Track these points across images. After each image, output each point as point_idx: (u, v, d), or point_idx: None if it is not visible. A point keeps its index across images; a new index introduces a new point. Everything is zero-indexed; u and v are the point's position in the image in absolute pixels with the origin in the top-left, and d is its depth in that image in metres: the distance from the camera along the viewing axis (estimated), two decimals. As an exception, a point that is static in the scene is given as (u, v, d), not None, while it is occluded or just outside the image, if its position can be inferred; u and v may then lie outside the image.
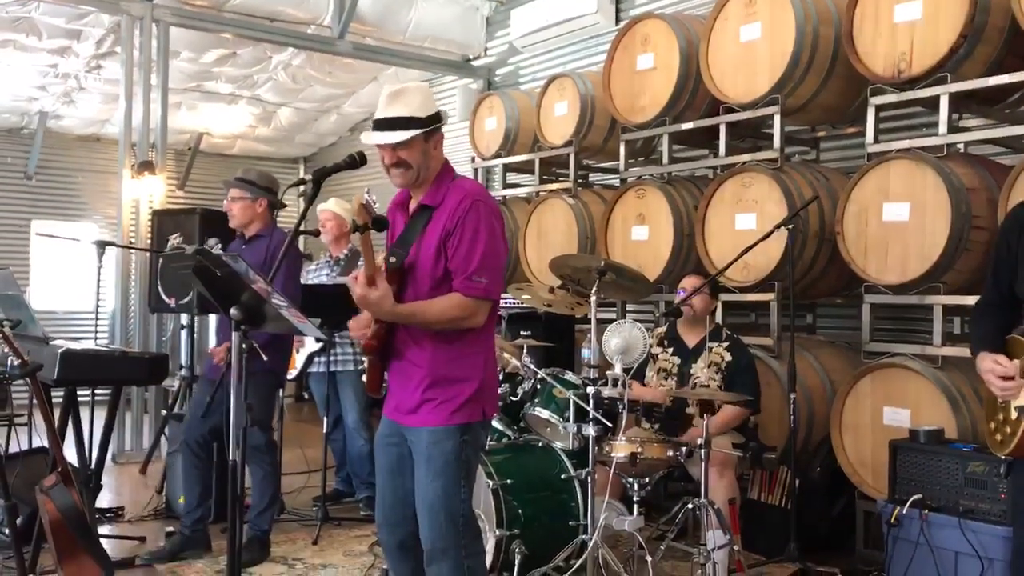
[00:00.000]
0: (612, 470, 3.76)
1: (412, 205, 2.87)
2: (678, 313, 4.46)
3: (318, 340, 5.06)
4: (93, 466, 4.33)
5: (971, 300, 4.16)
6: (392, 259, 2.78)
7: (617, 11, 7.39)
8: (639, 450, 3.72)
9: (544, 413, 4.13)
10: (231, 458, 2.55)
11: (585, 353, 4.00)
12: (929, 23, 4.34)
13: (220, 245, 4.65)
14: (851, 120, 5.48)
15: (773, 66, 4.93)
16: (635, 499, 3.80)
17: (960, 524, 3.56)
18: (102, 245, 5.62)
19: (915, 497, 3.73)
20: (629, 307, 6.13)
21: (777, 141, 4.99)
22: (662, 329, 4.72)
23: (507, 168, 7.32)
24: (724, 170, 5.24)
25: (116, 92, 8.06)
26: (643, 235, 5.62)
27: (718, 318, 4.89)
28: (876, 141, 4.62)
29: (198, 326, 6.42)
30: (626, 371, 3.96)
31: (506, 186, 7.38)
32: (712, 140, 5.52)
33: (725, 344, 4.41)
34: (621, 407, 3.85)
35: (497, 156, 7.17)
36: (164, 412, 6.66)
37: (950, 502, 3.66)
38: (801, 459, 4.60)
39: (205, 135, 10.73)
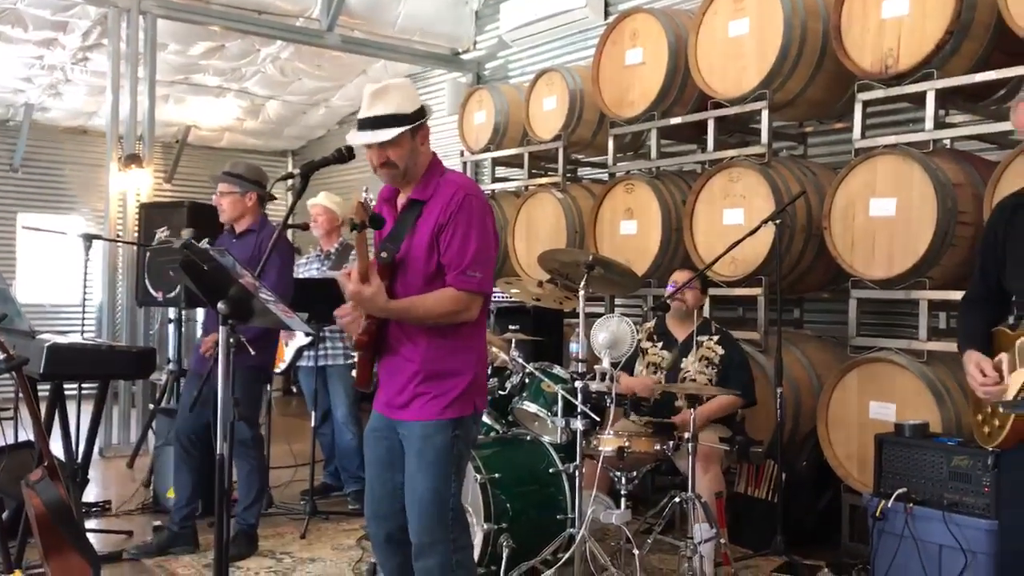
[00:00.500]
0: (600, 464, 3.78)
1: (401, 200, 2.87)
2: (666, 307, 4.48)
3: (307, 335, 5.06)
4: (80, 460, 4.32)
5: (957, 295, 4.20)
6: (383, 254, 2.77)
7: (606, 5, 7.39)
8: (627, 444, 3.73)
9: (532, 407, 4.13)
10: (218, 452, 2.55)
11: (573, 347, 4.01)
12: (916, 19, 4.36)
13: (195, 234, 4.62)
14: (838, 115, 5.50)
15: (761, 61, 4.95)
16: (622, 493, 3.81)
17: (944, 517, 3.58)
18: (89, 238, 5.58)
19: (900, 491, 3.75)
20: (617, 301, 6.15)
21: (765, 136, 5.01)
22: (651, 324, 4.73)
23: (496, 162, 7.32)
24: (712, 165, 5.26)
25: (103, 84, 8.02)
26: (631, 229, 5.63)
27: (705, 312, 4.90)
28: (863, 136, 4.64)
29: (186, 320, 6.41)
30: (614, 365, 3.97)
31: (495, 180, 7.38)
32: (700, 135, 5.53)
33: (716, 338, 4.43)
34: (609, 401, 3.86)
35: (486, 150, 7.17)
36: (152, 406, 6.65)
37: (934, 495, 3.68)
38: (787, 453, 4.62)
39: (193, 128, 10.69)
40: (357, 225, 2.60)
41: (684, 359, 4.43)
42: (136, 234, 6.63)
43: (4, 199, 10.14)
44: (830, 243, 4.62)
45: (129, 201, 7.09)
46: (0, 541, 3.60)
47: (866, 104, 4.64)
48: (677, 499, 3.86)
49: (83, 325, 5.52)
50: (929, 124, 4.38)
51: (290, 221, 5.95)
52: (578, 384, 3.80)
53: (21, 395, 3.41)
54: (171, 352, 6.29)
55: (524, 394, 4.19)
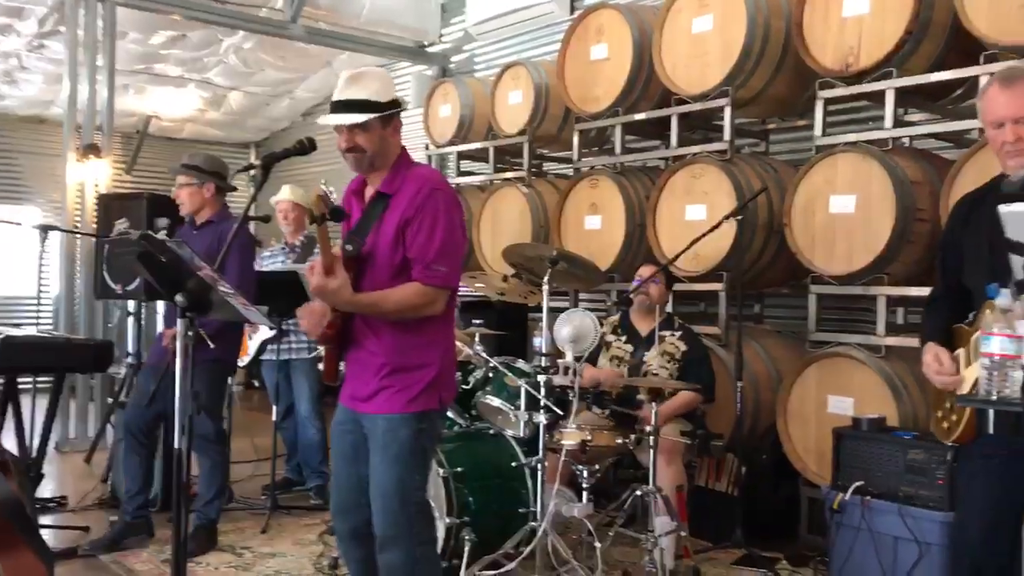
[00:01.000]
0: (562, 457, 3.79)
1: (368, 192, 2.85)
2: (630, 302, 4.50)
3: (271, 328, 5.01)
4: (34, 455, 4.25)
5: (914, 291, 4.28)
6: (349, 247, 2.76)
7: (572, 0, 7.40)
8: (589, 438, 3.75)
9: (495, 401, 4.13)
10: (176, 446, 2.52)
11: (537, 341, 4.01)
12: (876, 18, 4.41)
13: (168, 224, 4.57)
14: (800, 113, 5.56)
15: (724, 58, 4.98)
16: (585, 486, 3.83)
17: (900, 510, 3.64)
18: (45, 229, 5.49)
19: (857, 484, 3.80)
20: (582, 296, 6.17)
21: (727, 133, 5.04)
22: (615, 318, 4.76)
23: (461, 156, 7.31)
24: (676, 161, 5.29)
25: (60, 72, 7.87)
26: (596, 224, 5.65)
27: (668, 307, 4.93)
28: (824, 134, 4.69)
29: (145, 313, 6.32)
30: (577, 359, 3.99)
31: (460, 174, 7.36)
32: (664, 131, 5.56)
33: (678, 334, 4.47)
34: (572, 395, 3.88)
35: (451, 144, 7.14)
36: (110, 400, 6.55)
37: (891, 488, 3.74)
38: (747, 446, 4.68)
39: (154, 118, 10.52)
40: (317, 218, 2.57)
41: (646, 354, 4.46)
42: (94, 225, 6.52)
43: (-42, 189, 9.94)
44: (791, 239, 4.67)
45: (87, 192, 6.97)
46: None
47: (827, 102, 4.70)
48: (639, 492, 3.88)
49: (38, 318, 5.42)
50: (888, 122, 4.44)
51: (252, 213, 5.88)
52: (541, 378, 3.81)
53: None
54: (131, 345, 6.20)
55: (488, 388, 4.19)
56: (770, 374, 5.02)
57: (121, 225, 5.47)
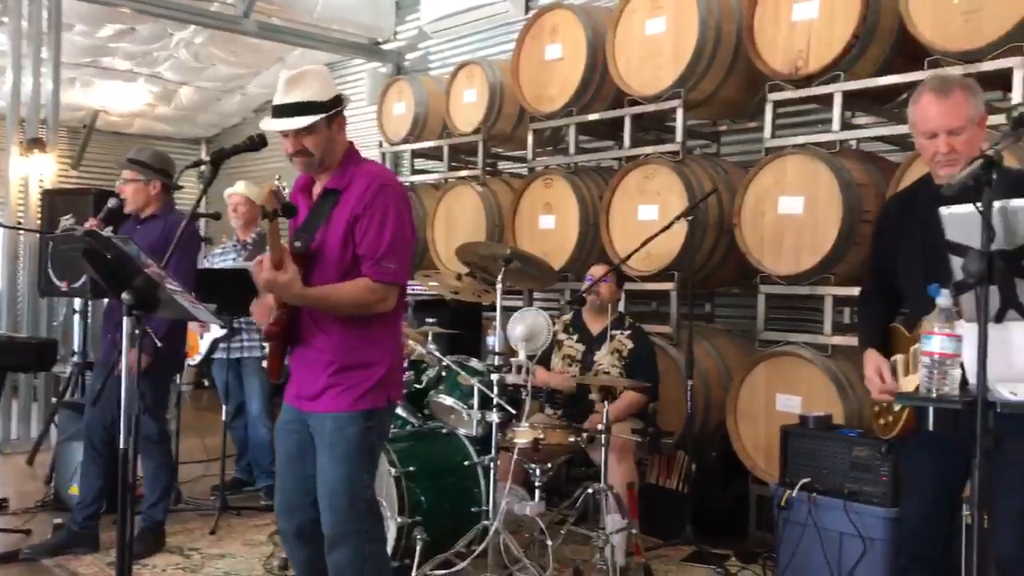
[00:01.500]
0: (514, 456, 3.80)
1: (316, 189, 2.83)
2: (582, 301, 4.53)
3: (222, 327, 4.95)
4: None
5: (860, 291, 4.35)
6: (297, 244, 2.73)
7: (527, 0, 7.41)
8: (541, 436, 3.76)
9: (448, 400, 4.13)
10: (122, 446, 2.48)
11: (490, 340, 4.01)
12: (825, 22, 4.49)
13: (74, 220, 4.47)
14: (751, 115, 5.64)
15: (677, 60, 5.03)
16: (537, 485, 3.84)
17: (845, 506, 3.70)
18: (-14, 225, 5.37)
19: (804, 480, 3.86)
20: (536, 295, 6.18)
21: (679, 134, 5.09)
22: (568, 316, 4.78)
23: (415, 154, 7.28)
24: (628, 161, 5.33)
25: (3, 64, 7.67)
26: (550, 224, 5.66)
27: (621, 307, 4.97)
28: (773, 136, 4.76)
29: (92, 311, 6.20)
30: (530, 358, 4.00)
31: (414, 172, 7.33)
32: (618, 132, 5.59)
33: (628, 332, 4.50)
34: (525, 394, 3.89)
35: (405, 141, 7.12)
36: (54, 400, 6.41)
37: (836, 485, 3.80)
38: (698, 444, 4.73)
39: (101, 113, 10.33)
40: (269, 213, 2.55)
41: (597, 352, 4.49)
42: (39, 221, 6.38)
43: None
44: (740, 240, 4.73)
45: (31, 187, 6.81)
46: None
47: (776, 105, 4.77)
48: (590, 490, 3.91)
49: (-21, 316, 5.30)
50: (836, 125, 4.52)
51: (201, 210, 5.80)
52: (494, 377, 3.81)
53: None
54: (76, 344, 6.09)
55: (440, 387, 4.19)
56: (720, 373, 5.08)
57: (67, 221, 5.36)
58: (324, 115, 2.67)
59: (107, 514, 4.47)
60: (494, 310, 4.06)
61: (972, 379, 2.02)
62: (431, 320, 5.01)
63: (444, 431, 4.21)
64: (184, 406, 5.84)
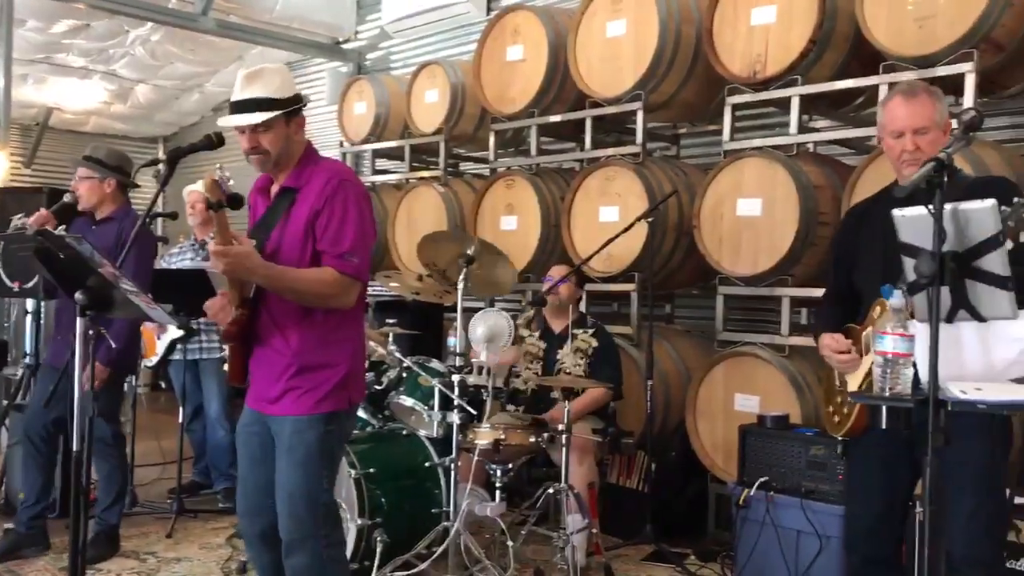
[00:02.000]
0: (475, 457, 3.80)
1: (274, 189, 2.80)
2: (543, 302, 4.54)
3: (180, 327, 4.89)
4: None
5: (817, 292, 4.40)
6: (252, 242, 2.69)
7: (488, 1, 7.41)
8: (502, 437, 3.76)
9: (409, 401, 4.12)
10: (75, 449, 2.44)
11: (451, 341, 4.01)
12: (783, 27, 4.54)
13: (24, 218, 4.40)
14: (710, 118, 5.68)
15: (637, 63, 5.06)
16: (498, 485, 3.84)
17: (802, 504, 3.76)
18: (-66, 224, 5.23)
19: (762, 479, 3.91)
20: (497, 295, 6.18)
21: (640, 137, 5.13)
22: (530, 313, 4.80)
23: (376, 154, 7.24)
24: (590, 163, 5.35)
25: (-47, 60, 7.51)
26: (512, 225, 5.67)
27: (582, 306, 4.99)
28: (732, 139, 4.81)
29: (44, 312, 6.08)
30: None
31: (376, 172, 7.30)
32: (579, 133, 5.62)
33: (591, 331, 4.53)
34: (486, 395, 3.89)
35: (366, 141, 7.08)
36: (5, 402, 6.28)
37: (793, 484, 3.85)
38: (657, 444, 4.76)
39: (55, 110, 10.14)
40: (214, 204, 2.49)
41: (559, 351, 4.51)
42: (-11, 221, 6.24)
43: None
44: (699, 241, 4.77)
45: (-18, 185, 6.68)
46: None
47: (735, 108, 4.82)
48: (551, 490, 3.92)
49: (-74, 317, 5.17)
50: (793, 128, 4.57)
51: (159, 209, 5.70)
52: (455, 378, 3.81)
53: None
54: (28, 345, 5.96)
55: (401, 388, 4.17)
56: (680, 373, 5.12)
57: (18, 220, 5.25)
58: (281, 112, 2.64)
59: (60, 518, 4.40)
60: (455, 311, 4.05)
61: (924, 378, 2.06)
62: (392, 321, 4.98)
63: (404, 432, 4.20)
64: (141, 408, 5.75)
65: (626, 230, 4.57)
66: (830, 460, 3.76)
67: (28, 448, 4.20)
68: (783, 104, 4.66)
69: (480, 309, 4.31)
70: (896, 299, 2.21)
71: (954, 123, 2.52)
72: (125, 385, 4.56)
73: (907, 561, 2.79)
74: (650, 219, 4.59)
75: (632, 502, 4.65)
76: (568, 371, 4.42)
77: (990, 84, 4.35)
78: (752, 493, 3.91)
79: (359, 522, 3.71)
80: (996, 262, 2.00)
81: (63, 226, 4.24)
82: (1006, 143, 4.62)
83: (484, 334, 4.06)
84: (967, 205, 2.02)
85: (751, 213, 4.56)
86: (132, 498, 4.93)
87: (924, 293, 2.06)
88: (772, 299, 4.64)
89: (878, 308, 2.53)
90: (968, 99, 3.94)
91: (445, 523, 3.76)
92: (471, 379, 3.91)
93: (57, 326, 4.26)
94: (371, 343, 4.27)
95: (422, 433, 4.12)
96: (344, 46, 8.81)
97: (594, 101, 5.31)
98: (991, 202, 1.99)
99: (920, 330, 2.14)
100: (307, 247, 2.67)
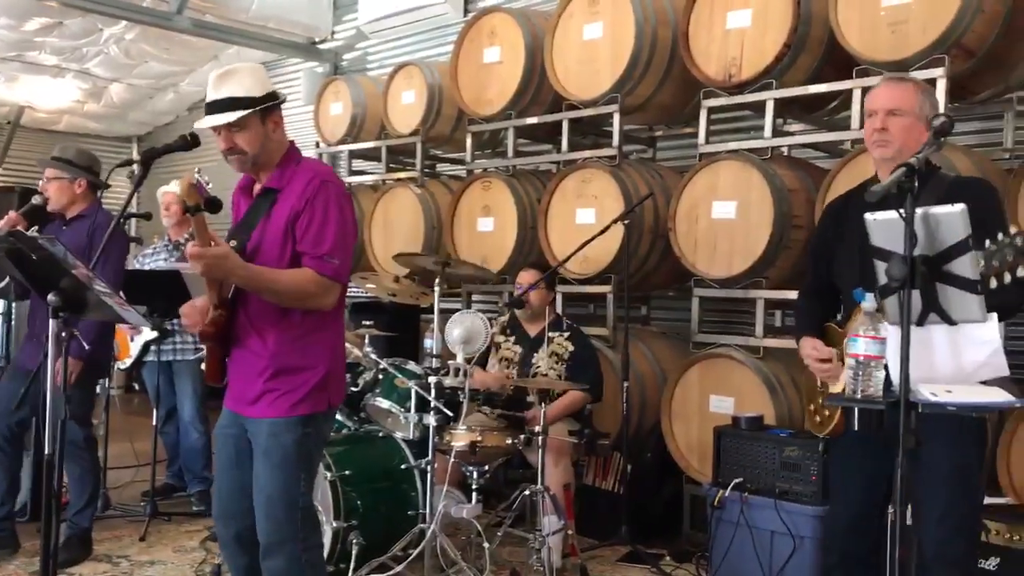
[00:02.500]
0: (452, 459, 3.79)
1: (257, 189, 2.78)
2: (519, 304, 4.55)
3: (154, 329, 4.85)
4: None
5: (791, 294, 4.44)
6: (232, 243, 2.67)
7: (465, 3, 7.42)
8: (479, 439, 3.77)
9: (385, 403, 4.11)
10: (47, 452, 2.42)
11: (428, 343, 4.00)
12: (758, 31, 4.58)
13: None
14: (686, 121, 5.73)
15: (614, 65, 5.08)
16: (474, 487, 3.84)
17: (776, 505, 3.79)
18: (-98, 224, 5.15)
19: (736, 480, 3.94)
20: (474, 297, 6.19)
21: (616, 139, 5.15)
22: (505, 318, 4.80)
23: (353, 155, 7.23)
24: (566, 165, 5.37)
25: (-79, 57, 7.43)
26: (488, 226, 5.68)
27: (559, 309, 5.01)
28: (708, 142, 4.84)
29: (16, 313, 6.01)
30: (468, 361, 4.00)
31: (352, 173, 7.28)
32: (556, 135, 5.63)
33: (566, 334, 4.53)
34: (462, 396, 3.89)
35: (343, 142, 7.06)
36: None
37: (767, 484, 3.88)
38: (633, 445, 4.78)
39: (27, 109, 10.03)
40: (191, 208, 2.46)
41: (535, 355, 4.51)
42: (-41, 220, 6.16)
43: None
44: (675, 243, 4.80)
45: (-49, 185, 6.60)
46: None
47: (711, 111, 4.85)
48: (527, 492, 3.92)
49: None
50: (768, 132, 4.61)
51: (132, 209, 5.64)
52: (432, 380, 3.81)
53: None
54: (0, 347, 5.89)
55: (377, 390, 4.16)
56: (655, 374, 5.15)
57: (-12, 221, 5.19)
58: (255, 110, 2.63)
59: (31, 521, 4.35)
60: (432, 312, 4.05)
61: (896, 380, 2.08)
62: (368, 322, 4.96)
63: (381, 434, 4.20)
64: (114, 410, 5.69)
65: (602, 232, 4.59)
66: (804, 461, 3.79)
67: None
68: (758, 107, 4.70)
69: (457, 311, 4.31)
70: (868, 302, 2.24)
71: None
72: (97, 387, 4.51)
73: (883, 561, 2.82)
74: (626, 221, 4.61)
75: (608, 503, 4.67)
76: (544, 374, 4.43)
77: (961, 89, 4.41)
78: (727, 494, 3.94)
79: (335, 524, 3.70)
80: (966, 266, 2.03)
81: (35, 227, 4.20)
82: (976, 147, 4.68)
83: (461, 335, 4.06)
84: (937, 209, 2.05)
85: (726, 216, 4.59)
86: (105, 501, 4.89)
87: (895, 296, 2.09)
88: (747, 301, 4.67)
89: (859, 314, 2.56)
90: (940, 104, 3.99)
91: (421, 525, 3.75)
92: (447, 381, 3.91)
93: (31, 328, 4.20)
94: (347, 344, 4.26)
95: (398, 435, 4.11)
96: (320, 46, 8.78)
97: (571, 103, 5.33)
98: (960, 207, 2.02)
99: (891, 333, 2.17)
100: (287, 248, 2.65)
